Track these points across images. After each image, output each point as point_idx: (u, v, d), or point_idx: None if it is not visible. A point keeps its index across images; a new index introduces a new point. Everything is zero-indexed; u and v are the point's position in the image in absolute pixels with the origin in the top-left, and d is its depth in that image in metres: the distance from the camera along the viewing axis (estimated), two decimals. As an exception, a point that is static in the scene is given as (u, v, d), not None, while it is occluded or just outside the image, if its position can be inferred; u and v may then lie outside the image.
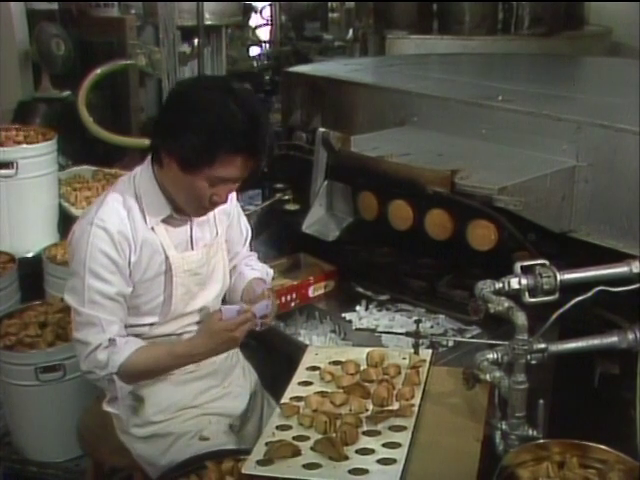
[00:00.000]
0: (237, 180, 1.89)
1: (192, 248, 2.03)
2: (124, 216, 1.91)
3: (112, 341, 1.91)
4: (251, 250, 2.36)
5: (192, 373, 2.11)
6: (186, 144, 1.80)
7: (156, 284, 1.98)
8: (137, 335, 2.01)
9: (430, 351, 2.07)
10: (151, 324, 2.02)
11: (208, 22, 4.08)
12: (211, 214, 2.08)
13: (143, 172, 1.98)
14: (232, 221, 2.20)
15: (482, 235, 2.46)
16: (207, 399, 2.13)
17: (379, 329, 2.59)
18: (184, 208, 1.96)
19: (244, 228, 2.29)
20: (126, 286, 1.93)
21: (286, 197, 3.34)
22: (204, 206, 1.93)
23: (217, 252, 2.11)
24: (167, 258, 1.97)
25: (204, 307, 2.08)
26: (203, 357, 2.01)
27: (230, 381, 2.21)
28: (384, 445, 1.70)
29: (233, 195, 2.18)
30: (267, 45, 7.32)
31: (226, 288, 2.18)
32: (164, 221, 1.97)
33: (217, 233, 2.11)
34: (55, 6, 5.29)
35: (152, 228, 1.95)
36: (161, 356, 1.97)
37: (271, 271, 2.35)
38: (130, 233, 1.91)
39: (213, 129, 1.77)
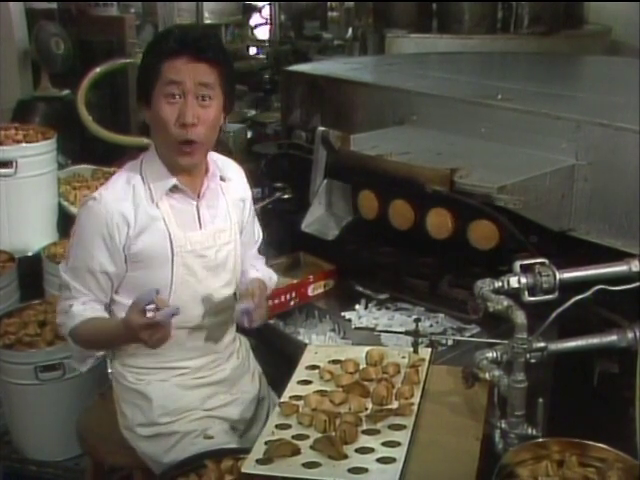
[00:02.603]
0: (195, 89, 1.88)
1: (200, 228, 2.02)
2: (126, 193, 1.94)
3: (70, 306, 1.98)
4: (260, 254, 2.35)
5: (202, 379, 2.11)
6: (141, 76, 1.94)
7: (162, 263, 1.97)
8: None
9: (429, 350, 2.07)
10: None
11: (207, 21, 4.09)
12: (222, 201, 2.07)
13: (148, 152, 2.02)
14: (247, 218, 2.19)
15: (483, 234, 2.46)
16: (214, 405, 2.12)
17: (378, 328, 2.59)
18: (169, 156, 1.95)
19: (257, 231, 2.29)
20: (112, 264, 1.95)
21: (285, 196, 3.34)
22: (177, 136, 1.89)
23: (230, 241, 2.09)
24: (169, 235, 1.96)
25: (212, 295, 2.05)
26: (128, 342, 2.00)
27: (238, 388, 2.19)
28: (383, 444, 1.70)
29: (246, 185, 2.19)
30: (266, 44, 7.31)
31: (237, 281, 2.15)
32: (170, 198, 1.98)
33: (231, 220, 2.10)
34: (54, 5, 5.29)
35: (157, 205, 1.96)
36: (100, 330, 1.99)
37: (275, 277, 2.35)
38: (131, 210, 1.93)
39: (155, 46, 1.92)
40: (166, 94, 1.87)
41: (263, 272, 2.28)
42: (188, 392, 2.09)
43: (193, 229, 2.01)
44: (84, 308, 1.98)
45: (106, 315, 2.03)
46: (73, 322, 1.98)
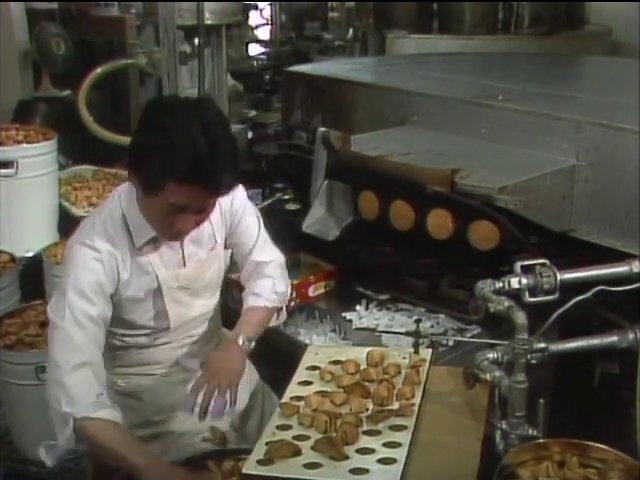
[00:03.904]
0: (196, 210, 1.77)
1: (184, 265, 1.97)
2: (113, 236, 1.86)
3: (100, 395, 1.79)
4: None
5: (190, 372, 2.10)
6: (141, 167, 1.74)
7: (148, 301, 1.94)
8: (139, 345, 2.00)
9: (430, 350, 2.07)
10: (148, 334, 2.00)
11: (208, 21, 4.07)
12: (207, 227, 1.97)
13: (127, 192, 1.89)
14: (237, 221, 2.09)
15: (484, 235, 2.47)
16: None
17: (379, 329, 2.59)
18: (154, 229, 1.86)
19: (251, 224, 2.12)
20: (108, 310, 1.86)
21: (286, 196, 3.34)
22: (169, 234, 1.85)
23: (213, 263, 2.04)
24: (157, 277, 1.92)
25: (198, 311, 2.05)
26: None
27: None
28: (384, 445, 1.70)
29: (240, 194, 2.04)
30: (267, 44, 7.32)
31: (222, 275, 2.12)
32: (152, 241, 1.90)
33: (216, 241, 2.03)
34: (55, 5, 5.29)
35: (141, 249, 1.89)
36: (120, 449, 1.76)
37: (283, 285, 2.16)
38: (119, 253, 1.86)
39: (164, 155, 1.67)
40: (164, 207, 1.74)
41: (265, 294, 2.11)
42: (178, 387, 2.08)
43: (179, 266, 1.96)
44: (111, 409, 1.79)
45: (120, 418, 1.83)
46: (94, 414, 1.76)
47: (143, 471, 1.69)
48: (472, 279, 1.95)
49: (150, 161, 1.70)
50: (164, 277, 1.93)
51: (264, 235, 2.16)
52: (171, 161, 1.66)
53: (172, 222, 1.78)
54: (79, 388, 1.77)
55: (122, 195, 1.90)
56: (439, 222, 2.55)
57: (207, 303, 2.08)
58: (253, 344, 2.04)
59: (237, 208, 2.06)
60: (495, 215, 2.44)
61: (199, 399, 1.85)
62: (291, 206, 3.31)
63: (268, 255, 2.17)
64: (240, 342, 1.98)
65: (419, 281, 2.80)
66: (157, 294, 1.94)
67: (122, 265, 1.87)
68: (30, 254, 3.58)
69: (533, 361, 1.75)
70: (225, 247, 2.09)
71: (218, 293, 2.14)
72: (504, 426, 1.76)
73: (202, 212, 1.80)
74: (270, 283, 2.13)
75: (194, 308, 2.04)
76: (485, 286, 1.85)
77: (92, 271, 1.82)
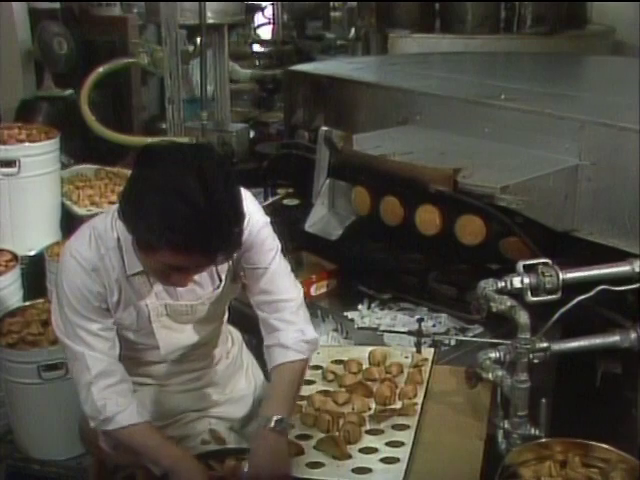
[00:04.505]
0: (195, 270, 1.68)
1: (177, 299, 1.88)
2: (103, 255, 1.78)
3: (117, 414, 1.80)
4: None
5: (192, 384, 2.07)
6: (134, 227, 1.61)
7: (136, 323, 1.89)
8: (134, 359, 1.96)
9: (432, 350, 2.08)
10: (142, 350, 1.96)
11: (210, 21, 4.08)
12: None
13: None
14: (246, 260, 1.89)
15: (471, 230, 2.46)
16: (207, 405, 2.08)
17: (381, 328, 2.59)
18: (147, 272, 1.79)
19: (263, 259, 1.90)
20: (108, 320, 1.83)
21: (288, 196, 3.34)
22: (165, 284, 1.78)
23: (213, 303, 1.92)
24: (146, 305, 1.86)
25: (195, 335, 1.97)
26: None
27: (232, 386, 2.15)
28: (387, 444, 1.71)
29: (251, 224, 1.80)
30: (269, 44, 7.32)
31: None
32: (144, 272, 1.80)
33: (220, 280, 1.90)
34: (57, 5, 5.29)
35: (132, 276, 1.81)
36: (150, 450, 1.84)
37: (312, 335, 1.88)
38: (108, 274, 1.79)
39: (158, 219, 1.52)
40: (160, 264, 1.63)
41: (292, 339, 1.86)
42: (178, 396, 2.06)
43: (170, 299, 1.88)
44: (128, 415, 1.81)
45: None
46: (114, 426, 1.82)
47: (170, 472, 1.76)
48: (461, 275, 1.95)
49: (143, 223, 1.56)
50: (153, 305, 1.86)
51: (277, 266, 1.93)
52: (166, 226, 1.51)
53: (168, 276, 1.69)
54: (91, 406, 1.82)
55: (118, 220, 1.72)
56: (427, 218, 2.54)
57: (204, 328, 1.98)
58: (290, 422, 1.79)
59: (246, 240, 1.78)
60: (485, 209, 2.42)
61: None
62: (290, 202, 3.30)
63: (284, 292, 1.92)
64: (272, 426, 1.73)
65: (411, 278, 2.81)
66: (147, 319, 1.88)
67: (111, 286, 1.80)
68: (32, 253, 3.58)
69: (535, 360, 1.75)
70: (235, 280, 1.94)
71: (223, 317, 2.06)
72: (506, 425, 1.76)
73: (202, 269, 1.72)
74: (298, 332, 1.87)
75: (187, 334, 1.96)
76: (487, 285, 1.85)
77: (83, 287, 1.77)
